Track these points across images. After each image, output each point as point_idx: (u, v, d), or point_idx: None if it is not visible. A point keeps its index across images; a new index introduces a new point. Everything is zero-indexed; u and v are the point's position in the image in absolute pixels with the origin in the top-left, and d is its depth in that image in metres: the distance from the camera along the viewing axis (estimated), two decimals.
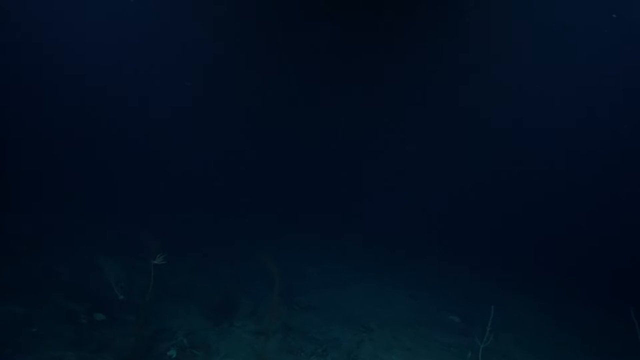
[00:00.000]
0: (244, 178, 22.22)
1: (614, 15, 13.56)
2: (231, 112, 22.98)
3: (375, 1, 15.06)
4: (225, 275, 9.68)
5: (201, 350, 5.78)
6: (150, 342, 5.78)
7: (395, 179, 23.74)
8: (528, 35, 16.51)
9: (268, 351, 5.98)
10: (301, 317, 7.59)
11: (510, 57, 17.51)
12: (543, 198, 21.44)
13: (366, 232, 17.44)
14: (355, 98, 20.72)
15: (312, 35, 16.66)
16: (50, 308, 6.11)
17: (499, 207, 21.23)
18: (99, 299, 6.88)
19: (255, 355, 5.79)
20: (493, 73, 18.40)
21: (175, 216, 15.16)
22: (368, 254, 14.52)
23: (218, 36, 17.96)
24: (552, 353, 7.60)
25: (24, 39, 20.59)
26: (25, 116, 20.23)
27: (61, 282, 7.19)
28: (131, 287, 7.49)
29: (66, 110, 22.36)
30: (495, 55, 17.48)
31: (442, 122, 21.96)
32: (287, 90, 20.90)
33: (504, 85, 18.88)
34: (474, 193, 22.06)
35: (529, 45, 17.03)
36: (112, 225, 12.07)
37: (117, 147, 22.66)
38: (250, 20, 16.87)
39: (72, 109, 22.63)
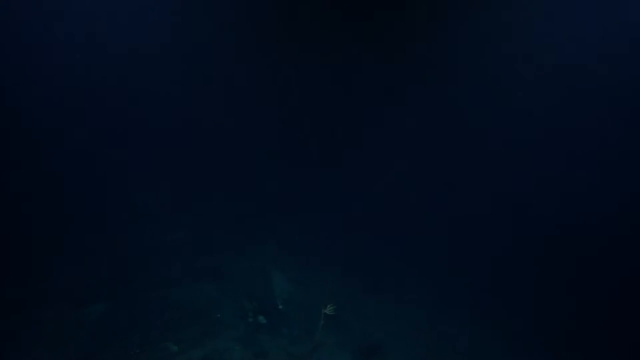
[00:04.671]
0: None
1: None
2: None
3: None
4: (370, 318, 9.22)
5: None
6: None
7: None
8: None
9: None
10: None
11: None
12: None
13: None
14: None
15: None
16: (231, 300, 7.12)
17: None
18: (264, 303, 7.62)
19: None
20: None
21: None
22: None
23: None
24: None
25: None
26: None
27: (241, 280, 8.36)
28: (290, 300, 8.02)
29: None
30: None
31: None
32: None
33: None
34: None
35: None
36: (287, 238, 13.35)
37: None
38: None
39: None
